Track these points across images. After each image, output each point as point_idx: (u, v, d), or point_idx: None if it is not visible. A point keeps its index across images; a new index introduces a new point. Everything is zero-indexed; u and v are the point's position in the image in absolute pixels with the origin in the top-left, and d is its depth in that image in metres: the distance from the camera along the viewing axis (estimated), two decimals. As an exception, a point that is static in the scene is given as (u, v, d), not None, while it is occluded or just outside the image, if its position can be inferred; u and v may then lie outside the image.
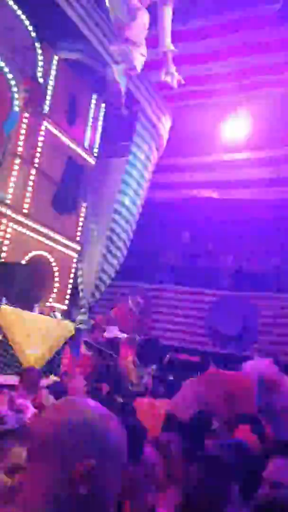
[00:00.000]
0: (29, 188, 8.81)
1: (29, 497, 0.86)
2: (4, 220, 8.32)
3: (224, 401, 3.47)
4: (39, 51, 8.82)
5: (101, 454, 0.89)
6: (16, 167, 8.52)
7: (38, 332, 6.56)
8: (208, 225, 11.22)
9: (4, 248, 8.31)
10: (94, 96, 10.33)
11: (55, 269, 9.52)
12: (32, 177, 8.86)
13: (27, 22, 8.48)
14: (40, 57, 8.85)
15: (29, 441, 0.93)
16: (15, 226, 8.54)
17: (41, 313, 7.60)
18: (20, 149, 8.56)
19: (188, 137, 10.34)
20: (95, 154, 10.38)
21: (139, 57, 5.62)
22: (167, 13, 6.43)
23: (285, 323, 9.06)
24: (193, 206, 11.14)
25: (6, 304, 6.36)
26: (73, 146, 9.78)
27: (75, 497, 0.85)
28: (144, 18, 6.02)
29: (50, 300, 9.27)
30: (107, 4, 5.23)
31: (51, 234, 9.34)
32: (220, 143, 10.49)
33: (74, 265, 10.09)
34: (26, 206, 8.75)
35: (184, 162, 10.68)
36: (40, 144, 8.96)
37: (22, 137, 8.56)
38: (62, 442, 0.87)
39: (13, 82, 8.28)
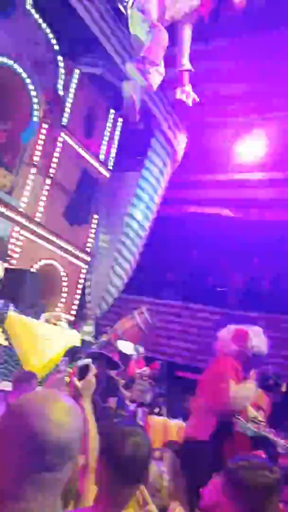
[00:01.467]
0: (43, 198, 8.91)
1: None
2: (16, 228, 8.40)
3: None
4: (61, 64, 9.01)
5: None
6: (32, 177, 8.63)
7: (44, 340, 6.55)
8: (218, 243, 11.21)
9: (15, 255, 8.38)
10: (112, 111, 10.48)
11: (64, 279, 9.55)
12: (46, 187, 8.96)
13: (51, 35, 8.69)
14: (62, 70, 9.04)
15: None
16: (27, 234, 8.62)
17: (47, 322, 7.60)
18: (36, 158, 8.68)
19: (203, 154, 10.44)
20: (110, 167, 10.49)
21: (156, 76, 5.71)
22: (187, 32, 6.55)
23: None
24: (204, 223, 11.16)
25: (13, 310, 6.38)
26: (88, 158, 9.90)
27: None
28: (163, 37, 6.13)
29: (57, 309, 9.28)
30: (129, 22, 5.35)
31: (62, 244, 9.40)
32: (234, 162, 10.57)
33: (83, 276, 10.12)
34: (39, 215, 8.84)
35: (197, 179, 10.76)
36: (56, 155, 9.08)
37: (39, 147, 8.70)
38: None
39: (34, 93, 8.45)
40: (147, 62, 4.82)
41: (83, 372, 1.91)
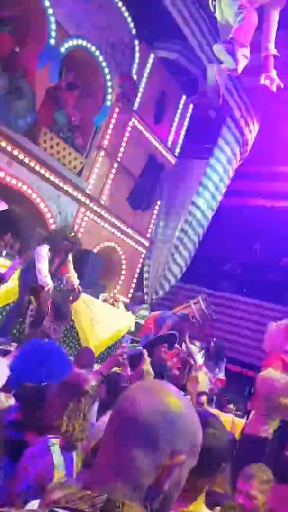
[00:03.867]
0: (109, 181, 9.05)
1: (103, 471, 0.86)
2: (82, 209, 8.61)
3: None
4: (137, 48, 9.02)
5: (190, 450, 0.89)
6: (100, 160, 8.78)
7: (103, 320, 6.73)
8: (283, 239, 10.86)
9: (79, 236, 8.60)
10: (184, 97, 10.36)
11: (123, 262, 9.70)
12: (113, 171, 9.08)
13: (129, 19, 8.70)
14: (137, 54, 9.05)
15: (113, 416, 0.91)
16: (91, 216, 8.81)
17: (104, 302, 7.78)
18: (106, 142, 8.81)
19: (273, 145, 10.09)
20: (177, 154, 10.42)
21: (242, 59, 5.56)
22: (274, 16, 6.29)
23: None
24: (268, 217, 10.84)
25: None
26: (156, 144, 9.90)
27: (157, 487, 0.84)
28: (252, 18, 5.92)
29: (115, 291, 9.46)
30: (210, 3, 5.23)
31: (124, 227, 9.53)
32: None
33: (141, 261, 10.22)
34: (104, 198, 8.99)
35: (266, 170, 10.43)
36: (125, 139, 9.16)
37: (109, 131, 8.81)
38: (156, 428, 0.86)
39: (108, 77, 8.53)
40: (236, 43, 4.70)
41: (134, 360, 1.88)
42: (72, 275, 5.39)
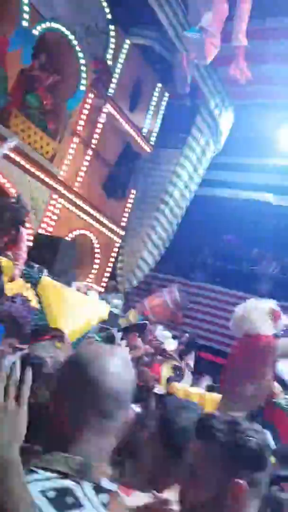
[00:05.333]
0: (83, 168, 8.93)
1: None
2: (54, 196, 8.47)
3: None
4: (112, 34, 8.88)
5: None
6: (73, 146, 8.64)
7: (74, 308, 6.65)
8: (256, 229, 10.99)
9: (51, 223, 8.48)
10: (159, 85, 10.29)
11: (97, 250, 9.62)
12: (87, 157, 8.96)
13: (104, 3, 8.55)
14: (112, 40, 8.91)
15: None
16: (64, 203, 8.68)
17: (77, 291, 7.70)
18: (80, 128, 8.67)
19: (247, 137, 10.16)
20: (152, 143, 10.37)
21: (212, 48, 5.55)
22: (246, 7, 6.29)
23: None
24: (243, 208, 10.93)
25: (47, 276, 6.48)
26: (131, 132, 9.80)
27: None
28: (223, 9, 5.91)
29: (88, 280, 9.39)
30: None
31: (98, 216, 9.44)
32: (279, 147, 10.24)
33: (115, 250, 10.17)
34: (77, 184, 8.87)
35: (240, 162, 10.50)
36: (99, 125, 9.04)
37: (83, 117, 8.67)
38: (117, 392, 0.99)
39: (82, 61, 8.38)
40: (205, 33, 4.68)
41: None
42: (23, 253, 4.86)
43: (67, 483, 0.86)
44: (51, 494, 0.83)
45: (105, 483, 0.91)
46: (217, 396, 4.43)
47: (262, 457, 1.11)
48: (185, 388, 4.34)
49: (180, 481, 1.21)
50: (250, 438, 1.09)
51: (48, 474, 0.86)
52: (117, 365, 1.00)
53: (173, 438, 1.48)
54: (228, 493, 1.07)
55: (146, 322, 5.10)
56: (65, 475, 0.87)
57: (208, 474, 1.09)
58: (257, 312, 4.14)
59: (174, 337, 8.07)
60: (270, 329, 4.15)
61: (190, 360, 7.67)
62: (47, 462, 0.89)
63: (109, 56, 8.95)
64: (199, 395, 4.19)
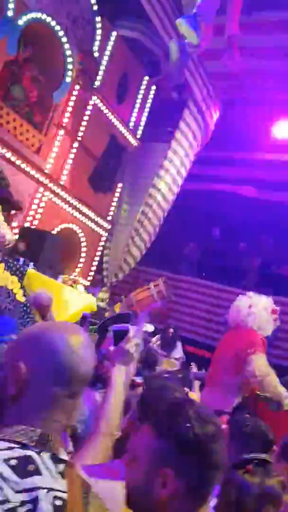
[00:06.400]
0: (69, 161, 8.86)
1: None
2: (40, 189, 8.41)
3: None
4: (99, 25, 8.80)
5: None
6: (59, 138, 8.57)
7: (60, 301, 6.63)
8: (242, 224, 11.06)
9: (37, 216, 8.42)
10: (146, 78, 10.25)
11: (83, 244, 9.59)
12: (73, 150, 8.90)
13: (91, -5, 8.47)
14: (98, 32, 8.83)
15: None
16: (50, 196, 8.62)
17: (64, 284, 7.68)
18: (65, 120, 8.60)
19: (235, 131, 10.18)
20: (139, 136, 10.34)
21: (206, 34, 5.51)
22: (238, -1, 6.24)
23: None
24: (229, 202, 10.99)
25: (33, 268, 6.45)
26: (118, 124, 9.76)
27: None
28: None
29: (74, 274, 9.36)
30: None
31: (84, 209, 9.39)
32: (267, 142, 10.31)
33: (102, 243, 10.15)
34: (63, 177, 8.81)
35: (227, 156, 10.53)
36: (86, 118, 8.98)
37: (69, 109, 8.60)
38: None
39: (68, 53, 8.30)
40: (200, 19, 4.66)
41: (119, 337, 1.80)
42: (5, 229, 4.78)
43: (29, 452, 0.91)
44: (13, 462, 0.87)
45: (63, 454, 0.96)
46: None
47: (199, 448, 1.00)
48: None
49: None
50: (189, 425, 1.00)
51: (10, 444, 0.91)
52: (83, 347, 1.04)
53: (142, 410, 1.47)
54: (156, 480, 1.00)
55: (130, 312, 5.10)
56: (25, 446, 0.92)
57: (141, 456, 1.04)
58: (265, 312, 4.21)
59: (159, 331, 8.13)
60: (270, 328, 4.24)
61: (178, 353, 7.73)
62: (8, 434, 0.94)
63: (95, 48, 8.87)
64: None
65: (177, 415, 1.03)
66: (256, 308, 4.23)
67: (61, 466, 0.93)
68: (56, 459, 0.93)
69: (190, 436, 0.99)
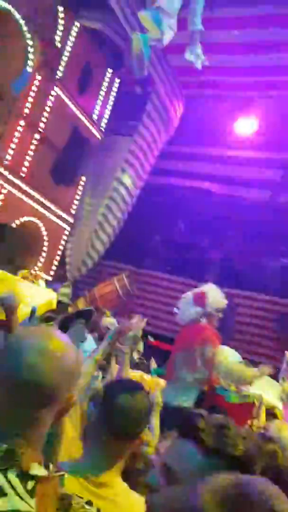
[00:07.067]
0: (30, 152, 8.66)
1: None
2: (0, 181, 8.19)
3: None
4: (61, 15, 8.61)
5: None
6: (20, 129, 8.36)
7: (21, 297, 6.48)
8: (204, 219, 11.18)
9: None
10: (110, 70, 10.13)
11: (45, 238, 9.42)
12: (34, 142, 8.70)
13: (53, -17, 8.27)
14: (61, 22, 8.65)
15: None
16: (10, 188, 8.41)
17: (24, 279, 7.52)
18: (26, 110, 8.39)
19: (198, 127, 10.25)
20: (102, 129, 10.22)
21: (168, 30, 5.48)
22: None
23: (260, 325, 9.20)
24: (192, 197, 11.07)
25: (-9, 263, 6.28)
26: (81, 116, 9.61)
27: None
28: None
29: (36, 268, 9.19)
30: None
31: (46, 202, 9.22)
32: (229, 138, 10.44)
33: (64, 237, 10.00)
34: (24, 169, 8.61)
35: (190, 151, 10.61)
36: (47, 109, 8.79)
37: (30, 99, 8.39)
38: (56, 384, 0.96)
39: (30, 42, 8.07)
40: (162, 12, 4.62)
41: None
42: None
43: None
44: None
45: (35, 469, 0.89)
46: (159, 380, 4.51)
47: (247, 463, 1.02)
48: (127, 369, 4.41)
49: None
50: (237, 445, 1.02)
51: None
52: (36, 354, 0.96)
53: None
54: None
55: (91, 308, 5.04)
56: None
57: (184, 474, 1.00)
58: (215, 305, 4.29)
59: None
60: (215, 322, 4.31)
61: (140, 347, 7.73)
62: None
63: (57, 38, 8.68)
64: (140, 376, 4.26)
65: (225, 436, 1.05)
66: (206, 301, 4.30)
67: (30, 484, 0.87)
68: (24, 477, 0.87)
69: (239, 455, 1.02)
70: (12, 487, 0.85)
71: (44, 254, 9.46)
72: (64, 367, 0.96)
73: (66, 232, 10.04)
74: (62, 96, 9.01)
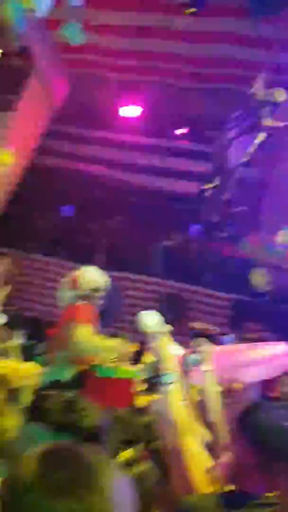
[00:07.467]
0: None
1: None
2: None
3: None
4: None
5: None
6: None
7: None
8: (92, 202, 11.16)
9: None
10: (-13, 40, 9.45)
11: None
12: None
13: None
14: None
15: None
16: None
17: None
18: None
19: (83, 108, 10.10)
20: (-21, 103, 9.53)
21: (44, 2, 5.27)
22: None
23: (147, 306, 9.44)
24: (79, 180, 10.95)
25: None
26: None
27: None
28: None
29: None
30: None
31: None
32: (116, 122, 10.45)
33: None
34: None
35: (76, 132, 10.44)
36: None
37: None
38: None
39: None
40: None
41: None
42: None
43: None
44: None
45: None
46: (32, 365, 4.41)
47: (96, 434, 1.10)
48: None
49: None
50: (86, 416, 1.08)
51: None
52: None
53: None
54: None
55: None
56: None
57: None
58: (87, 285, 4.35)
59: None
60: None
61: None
62: None
63: None
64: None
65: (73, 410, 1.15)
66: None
67: None
68: None
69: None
70: None
71: None
72: None
73: None
74: None
